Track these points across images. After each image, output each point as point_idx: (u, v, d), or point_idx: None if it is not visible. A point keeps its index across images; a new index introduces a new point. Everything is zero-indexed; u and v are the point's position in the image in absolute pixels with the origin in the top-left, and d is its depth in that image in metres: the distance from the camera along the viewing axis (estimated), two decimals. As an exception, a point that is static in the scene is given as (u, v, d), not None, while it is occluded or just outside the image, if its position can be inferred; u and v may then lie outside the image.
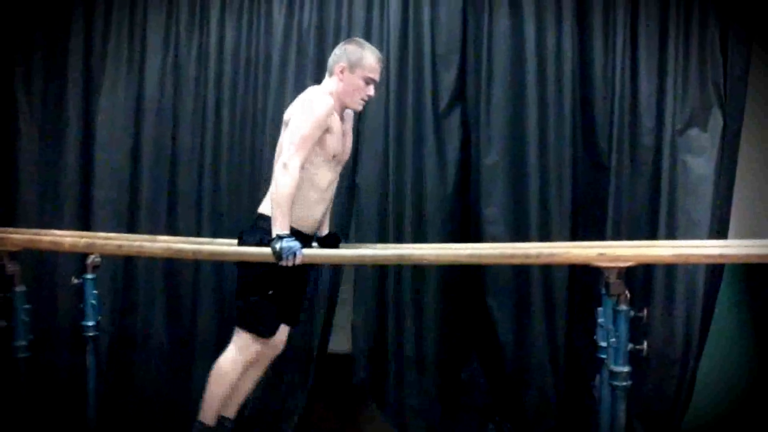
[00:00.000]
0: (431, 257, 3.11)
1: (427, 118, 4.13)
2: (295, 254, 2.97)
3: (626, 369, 2.85)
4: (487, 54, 4.09)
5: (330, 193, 3.38)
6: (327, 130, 3.18)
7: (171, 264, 4.28)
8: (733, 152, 3.96)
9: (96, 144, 4.29)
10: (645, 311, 2.91)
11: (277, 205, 3.04)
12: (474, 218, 4.15)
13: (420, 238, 4.09)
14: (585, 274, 3.96)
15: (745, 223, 4.16)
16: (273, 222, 3.03)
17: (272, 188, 3.10)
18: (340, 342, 4.51)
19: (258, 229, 3.19)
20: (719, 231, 3.96)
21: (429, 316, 4.16)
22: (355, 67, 3.25)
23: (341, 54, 3.29)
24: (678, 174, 3.96)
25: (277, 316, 3.33)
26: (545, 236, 4.03)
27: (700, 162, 3.94)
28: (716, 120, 3.94)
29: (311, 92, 3.27)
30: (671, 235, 3.92)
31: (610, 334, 2.90)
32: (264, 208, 3.25)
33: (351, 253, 3.39)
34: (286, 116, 3.26)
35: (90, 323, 3.57)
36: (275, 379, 4.14)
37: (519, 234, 4.06)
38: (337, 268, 4.18)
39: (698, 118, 3.96)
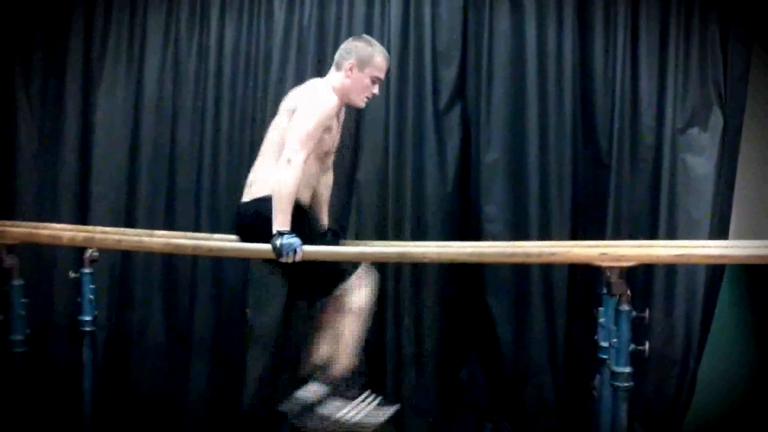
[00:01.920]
0: (432, 255, 3.10)
1: (428, 115, 4.12)
2: (295, 251, 2.95)
3: (628, 370, 2.84)
4: (487, 51, 4.10)
5: (315, 180, 3.35)
6: (327, 128, 3.18)
7: (168, 259, 4.26)
8: (734, 151, 3.96)
9: (95, 141, 4.27)
10: (647, 312, 2.90)
11: (278, 200, 3.01)
12: (474, 216, 4.14)
13: (419, 235, 4.08)
14: (585, 273, 3.97)
15: (745, 222, 4.14)
16: (274, 218, 3.01)
17: (275, 183, 3.04)
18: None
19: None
20: (720, 230, 3.95)
21: (428, 315, 4.15)
22: (364, 66, 3.24)
23: (350, 51, 3.28)
24: (678, 173, 3.95)
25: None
26: (545, 234, 4.02)
27: (700, 161, 3.94)
28: (716, 119, 3.94)
29: (318, 87, 3.26)
30: (671, 234, 3.92)
31: (612, 334, 2.89)
32: (262, 190, 3.20)
33: (351, 250, 3.37)
34: (289, 104, 3.24)
35: (87, 318, 3.53)
36: (273, 377, 4.12)
37: (519, 232, 4.05)
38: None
39: (699, 117, 3.96)
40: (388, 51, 3.94)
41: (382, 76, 3.31)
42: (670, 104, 3.95)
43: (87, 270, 3.54)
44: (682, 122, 3.96)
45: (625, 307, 2.84)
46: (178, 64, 4.28)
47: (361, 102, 3.33)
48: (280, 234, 2.96)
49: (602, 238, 3.93)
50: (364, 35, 3.50)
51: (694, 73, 3.96)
